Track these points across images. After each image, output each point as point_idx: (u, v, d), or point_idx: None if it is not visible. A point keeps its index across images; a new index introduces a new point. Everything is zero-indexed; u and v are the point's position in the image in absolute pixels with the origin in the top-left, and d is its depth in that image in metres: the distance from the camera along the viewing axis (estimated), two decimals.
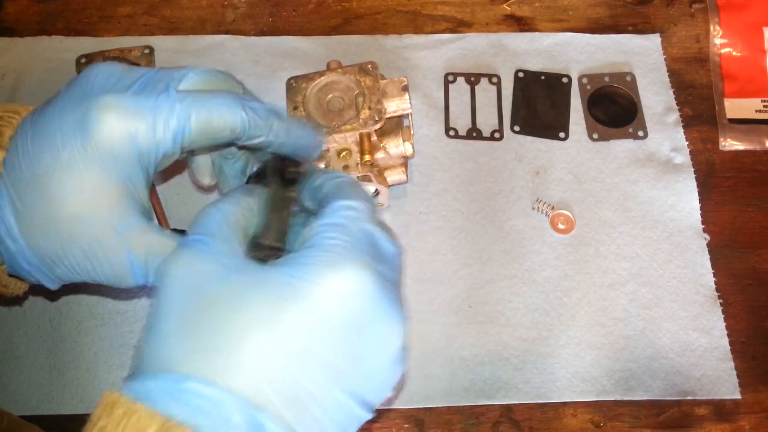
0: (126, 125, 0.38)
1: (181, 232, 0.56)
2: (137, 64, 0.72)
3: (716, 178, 0.70)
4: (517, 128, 0.72)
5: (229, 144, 0.42)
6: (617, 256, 0.66)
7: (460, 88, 0.74)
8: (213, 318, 0.32)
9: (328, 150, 0.61)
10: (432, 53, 0.75)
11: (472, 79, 0.74)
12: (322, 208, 0.37)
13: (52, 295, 0.64)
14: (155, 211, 0.65)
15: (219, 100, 0.39)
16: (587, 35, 0.76)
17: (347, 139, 0.60)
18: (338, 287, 0.33)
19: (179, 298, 0.33)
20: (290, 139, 0.42)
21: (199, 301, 0.33)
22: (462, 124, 0.72)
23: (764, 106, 0.74)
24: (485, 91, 0.74)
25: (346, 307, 0.33)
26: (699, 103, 0.74)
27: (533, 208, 0.68)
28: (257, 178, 0.44)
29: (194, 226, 0.36)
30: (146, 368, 0.33)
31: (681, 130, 0.72)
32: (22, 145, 0.39)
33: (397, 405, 0.61)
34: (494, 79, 0.74)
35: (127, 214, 0.39)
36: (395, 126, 0.63)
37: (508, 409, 0.61)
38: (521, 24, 0.78)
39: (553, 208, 0.67)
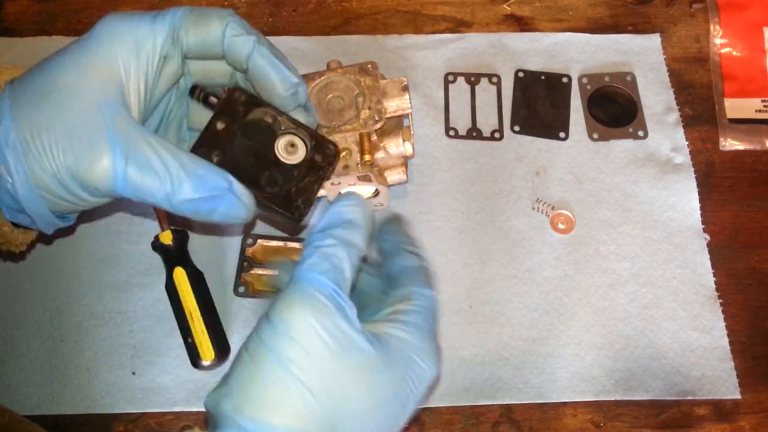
0: (126, 22, 0.42)
1: (180, 232, 0.58)
2: None
3: (716, 178, 0.70)
4: (517, 128, 0.72)
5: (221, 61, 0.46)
6: (617, 256, 0.66)
7: (460, 88, 0.74)
8: (341, 391, 0.36)
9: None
10: (432, 53, 0.75)
11: (472, 79, 0.74)
12: (406, 288, 0.42)
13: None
14: (156, 214, 0.65)
15: (212, 12, 0.44)
16: (587, 35, 0.76)
17: (347, 139, 0.60)
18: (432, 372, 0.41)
19: (309, 355, 0.35)
20: (272, 68, 0.46)
21: (328, 368, 0.36)
22: (462, 124, 0.72)
23: (764, 106, 0.74)
24: (485, 91, 0.74)
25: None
26: (699, 103, 0.74)
27: (533, 208, 0.68)
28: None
29: (332, 273, 0.38)
30: (257, 410, 0.34)
31: (681, 130, 0.72)
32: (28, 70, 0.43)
33: None
34: (494, 79, 0.74)
35: (113, 96, 0.40)
36: (395, 126, 0.63)
37: (508, 409, 0.61)
38: (521, 24, 0.78)
39: (553, 208, 0.67)
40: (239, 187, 0.43)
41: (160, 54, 0.43)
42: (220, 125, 0.46)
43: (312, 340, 0.35)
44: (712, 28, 0.77)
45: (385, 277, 0.44)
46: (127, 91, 0.41)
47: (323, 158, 0.48)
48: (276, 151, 0.47)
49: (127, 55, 0.41)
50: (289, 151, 0.47)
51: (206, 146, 0.45)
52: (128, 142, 0.39)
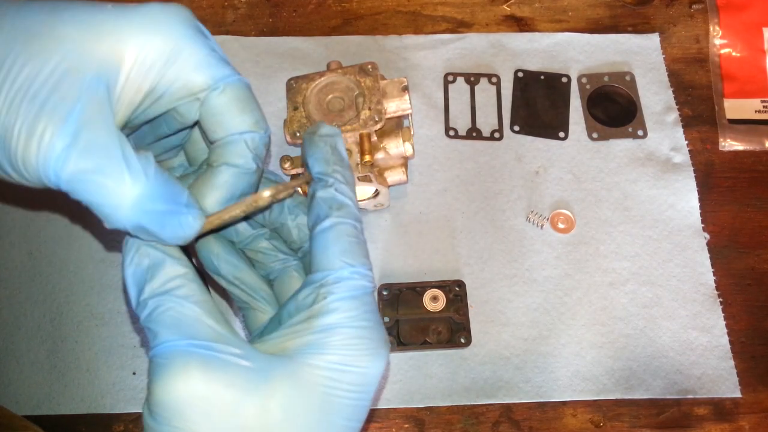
0: (195, 29, 0.35)
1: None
2: None
3: (716, 178, 0.71)
4: (516, 128, 0.72)
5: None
6: (617, 255, 0.66)
7: (460, 88, 0.74)
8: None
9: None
10: (432, 53, 0.75)
11: (472, 79, 0.74)
12: (329, 263, 0.35)
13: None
14: None
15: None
16: (586, 35, 0.76)
17: (347, 139, 0.60)
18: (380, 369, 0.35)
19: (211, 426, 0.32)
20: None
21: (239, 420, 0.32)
22: (462, 124, 0.72)
23: (764, 107, 0.74)
24: (485, 91, 0.74)
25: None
26: (698, 103, 0.74)
27: (527, 220, 0.67)
28: None
29: (176, 328, 0.32)
30: None
31: (680, 130, 0.72)
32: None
33: (397, 405, 0.61)
34: (494, 79, 0.74)
35: (105, 75, 0.32)
36: (395, 126, 0.63)
37: (508, 408, 0.61)
38: (521, 24, 0.78)
39: (546, 219, 0.67)
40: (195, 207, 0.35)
41: (189, 88, 0.35)
42: (386, 319, 0.62)
43: (213, 413, 0.32)
44: (711, 28, 0.77)
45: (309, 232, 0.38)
46: (125, 82, 0.33)
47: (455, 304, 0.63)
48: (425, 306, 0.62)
49: (156, 53, 0.33)
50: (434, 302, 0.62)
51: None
52: (88, 123, 0.31)
